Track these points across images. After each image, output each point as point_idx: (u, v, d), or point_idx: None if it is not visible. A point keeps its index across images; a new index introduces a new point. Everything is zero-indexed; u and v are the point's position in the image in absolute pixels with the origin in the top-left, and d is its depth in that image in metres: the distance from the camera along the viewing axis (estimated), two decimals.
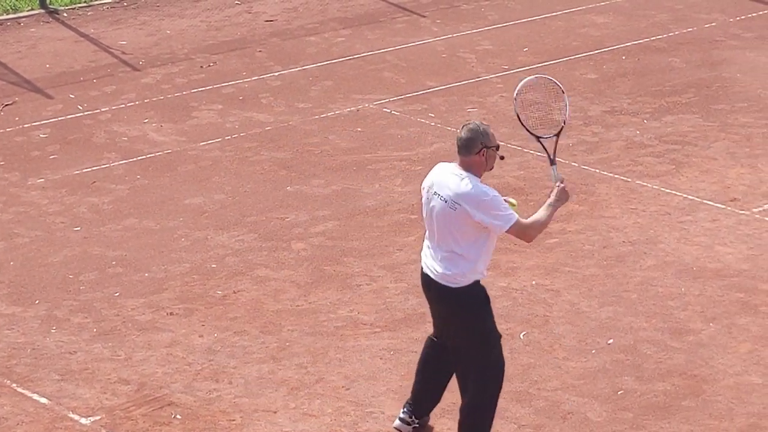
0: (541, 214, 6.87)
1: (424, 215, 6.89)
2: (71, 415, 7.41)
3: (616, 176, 10.61)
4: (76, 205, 10.21)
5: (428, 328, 8.29)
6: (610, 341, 8.12)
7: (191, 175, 10.76)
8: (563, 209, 9.98)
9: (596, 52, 13.67)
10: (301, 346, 8.10)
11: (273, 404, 7.49)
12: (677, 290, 8.74)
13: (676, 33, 14.26)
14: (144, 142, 11.45)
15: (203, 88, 12.74)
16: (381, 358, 7.95)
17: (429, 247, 6.87)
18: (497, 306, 8.54)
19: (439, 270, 6.77)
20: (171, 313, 8.52)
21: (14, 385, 7.70)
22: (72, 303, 8.66)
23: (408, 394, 7.53)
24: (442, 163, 6.97)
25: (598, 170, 10.73)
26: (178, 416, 7.39)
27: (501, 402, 7.46)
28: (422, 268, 6.90)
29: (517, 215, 6.73)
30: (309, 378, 7.74)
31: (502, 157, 6.91)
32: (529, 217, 6.91)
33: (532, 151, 11.11)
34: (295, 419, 7.35)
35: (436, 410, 7.38)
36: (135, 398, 7.56)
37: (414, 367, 7.84)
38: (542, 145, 7.16)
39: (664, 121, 11.80)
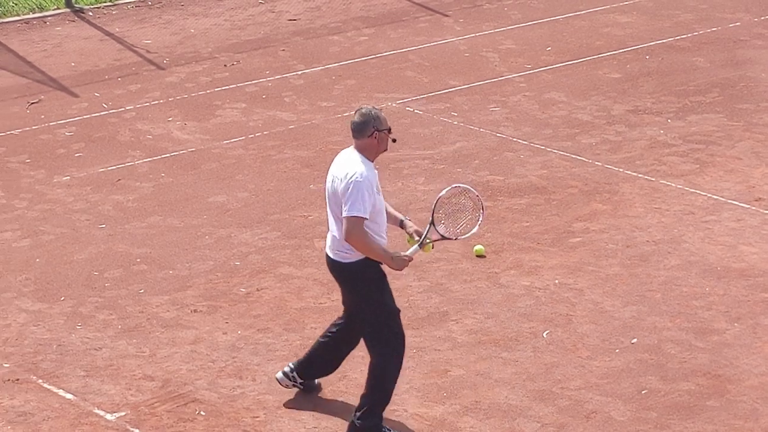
0: (376, 244, 7.02)
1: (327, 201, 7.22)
2: (96, 410, 7.45)
3: (639, 175, 10.59)
4: (100, 202, 10.26)
5: (451, 327, 8.31)
6: (634, 341, 8.11)
7: (215, 173, 10.80)
8: (586, 208, 9.99)
9: (620, 51, 13.65)
10: None
11: (296, 401, 7.51)
12: (701, 290, 8.72)
13: (700, 32, 14.23)
14: (168, 141, 11.50)
15: (227, 87, 12.78)
16: (404, 356, 7.95)
17: (330, 228, 7.21)
18: (520, 305, 8.56)
19: (333, 247, 7.15)
20: (195, 311, 8.55)
21: (40, 380, 7.75)
22: (97, 300, 8.71)
23: (431, 392, 7.55)
24: (342, 151, 7.26)
25: (621, 169, 10.71)
26: (202, 413, 7.42)
27: (524, 400, 7.48)
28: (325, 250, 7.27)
29: (363, 214, 6.88)
30: (332, 376, 7.75)
31: (394, 140, 7.23)
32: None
33: (555, 151, 11.11)
34: (318, 417, 7.37)
35: (459, 408, 7.40)
36: (159, 395, 7.60)
37: (437, 364, 7.87)
38: (432, 231, 7.22)
39: (688, 120, 11.78)
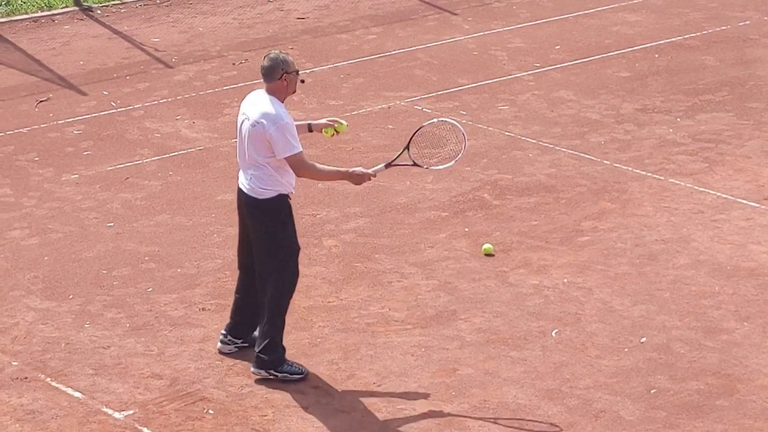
0: (327, 167, 7.75)
1: (237, 137, 7.65)
2: (105, 409, 7.45)
3: (648, 174, 10.57)
4: (109, 200, 10.27)
5: (459, 326, 8.31)
6: (643, 340, 8.09)
7: (223, 171, 10.80)
8: (594, 207, 9.97)
9: (629, 50, 13.62)
10: (332, 343, 8.12)
11: (304, 400, 7.51)
12: (710, 289, 8.70)
13: (710, 31, 14.19)
14: (176, 139, 11.50)
15: (235, 86, 12.78)
16: (412, 355, 7.96)
17: (240, 165, 7.62)
18: (528, 304, 8.54)
19: (247, 184, 7.55)
20: (203, 309, 8.55)
21: (48, 379, 7.75)
22: (105, 298, 8.71)
23: (439, 391, 7.55)
24: (252, 92, 7.66)
25: (630, 168, 10.69)
26: (210, 411, 7.42)
27: (532, 399, 7.47)
28: (238, 187, 7.65)
29: (300, 149, 7.39)
30: (340, 374, 7.75)
31: (302, 81, 7.63)
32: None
33: (563, 149, 11.09)
34: (326, 415, 7.37)
35: (467, 407, 7.39)
36: (168, 393, 7.59)
37: (445, 363, 7.86)
38: (404, 155, 7.77)
39: (697, 119, 11.75)
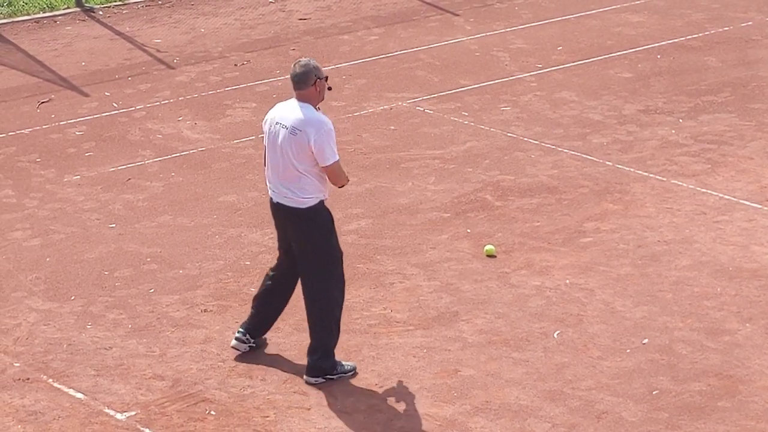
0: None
1: (267, 147, 7.54)
2: (107, 410, 7.45)
3: (651, 175, 10.56)
4: (111, 202, 10.27)
5: (461, 327, 8.30)
6: (645, 341, 8.09)
7: (225, 172, 10.80)
8: (597, 208, 9.97)
9: (631, 51, 13.62)
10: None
11: (306, 401, 7.51)
12: (713, 290, 8.70)
13: (712, 32, 14.19)
14: (178, 140, 11.50)
15: (237, 86, 12.78)
16: (414, 356, 7.96)
17: (275, 176, 7.52)
18: (530, 305, 8.54)
19: (288, 194, 7.47)
20: (205, 310, 8.55)
21: (50, 380, 7.75)
22: (107, 299, 8.71)
23: (441, 392, 7.54)
24: (280, 103, 7.64)
25: (632, 169, 10.69)
26: (212, 412, 7.42)
27: (534, 401, 7.47)
28: (271, 198, 7.59)
29: (338, 156, 7.39)
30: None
31: (329, 88, 7.60)
32: None
33: (566, 150, 11.09)
34: (328, 416, 7.36)
35: (469, 408, 7.39)
36: (170, 394, 7.59)
37: (447, 364, 7.85)
38: None
39: (699, 120, 11.74)
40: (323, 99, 7.51)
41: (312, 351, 7.64)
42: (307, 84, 7.41)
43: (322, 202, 7.50)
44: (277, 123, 7.48)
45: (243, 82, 12.89)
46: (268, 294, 7.87)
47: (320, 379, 7.63)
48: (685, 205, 10.01)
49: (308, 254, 7.55)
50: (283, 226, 7.64)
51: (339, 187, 7.62)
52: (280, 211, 7.58)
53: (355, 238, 9.54)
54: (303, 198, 7.43)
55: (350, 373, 7.70)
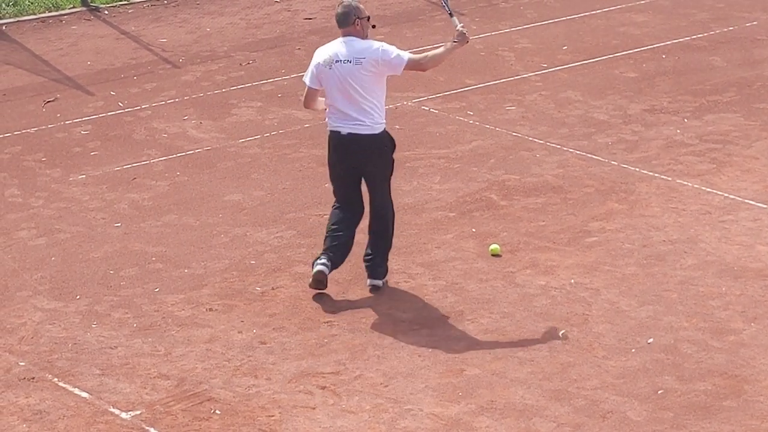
0: (439, 50, 8.39)
1: (333, 86, 8.31)
2: (112, 409, 7.46)
3: (656, 175, 10.56)
4: (116, 201, 10.28)
5: (467, 326, 8.30)
6: (650, 340, 8.08)
7: (230, 171, 10.81)
8: (602, 208, 9.97)
9: (636, 50, 13.61)
10: (339, 343, 8.12)
11: (311, 400, 7.51)
12: (718, 290, 8.69)
13: (717, 32, 14.18)
14: (184, 139, 11.51)
15: (243, 86, 12.79)
16: (419, 356, 7.96)
17: (347, 108, 8.31)
18: (536, 304, 8.54)
19: (366, 123, 8.32)
20: (210, 309, 8.55)
21: (55, 379, 7.76)
22: (112, 298, 8.72)
23: (446, 392, 7.55)
24: (326, 45, 8.45)
25: (638, 169, 10.68)
26: (217, 411, 7.42)
27: (540, 400, 7.47)
28: (339, 131, 8.44)
29: (409, 55, 8.29)
30: (347, 375, 7.75)
31: (373, 26, 8.46)
32: None
33: (571, 150, 11.08)
34: (333, 415, 7.37)
35: (474, 408, 7.39)
36: (175, 393, 7.60)
37: (452, 364, 7.86)
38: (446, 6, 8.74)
39: (704, 119, 11.74)
40: (366, 36, 8.29)
41: (379, 257, 8.60)
42: (348, 23, 8.26)
43: (385, 128, 8.44)
44: (337, 61, 8.25)
45: (248, 81, 12.90)
46: (340, 223, 8.59)
47: (380, 282, 8.60)
48: (690, 204, 10.01)
49: (383, 174, 8.50)
50: (354, 155, 8.42)
51: (431, 68, 8.51)
52: (352, 142, 8.35)
53: (360, 238, 9.53)
54: (377, 124, 8.35)
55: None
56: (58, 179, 10.72)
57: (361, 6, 8.33)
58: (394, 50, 8.27)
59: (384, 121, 8.45)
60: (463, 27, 8.44)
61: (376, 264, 8.64)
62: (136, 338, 8.21)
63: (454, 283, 8.86)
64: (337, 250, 8.55)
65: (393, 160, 8.62)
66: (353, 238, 8.66)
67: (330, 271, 8.53)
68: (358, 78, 8.25)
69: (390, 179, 8.63)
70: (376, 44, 8.29)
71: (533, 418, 7.31)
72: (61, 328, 8.34)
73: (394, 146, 8.61)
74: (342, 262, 8.64)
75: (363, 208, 8.69)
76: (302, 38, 14.18)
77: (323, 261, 8.48)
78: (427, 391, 7.59)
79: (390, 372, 7.78)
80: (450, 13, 8.71)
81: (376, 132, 8.41)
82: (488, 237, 9.49)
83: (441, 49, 8.42)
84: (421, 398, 7.51)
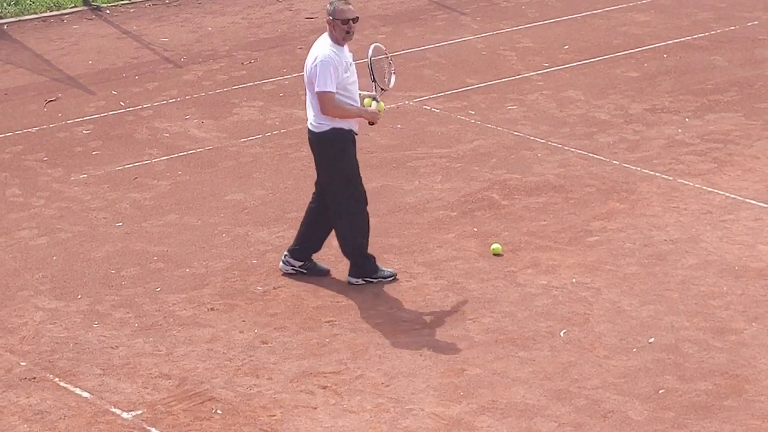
0: (350, 107, 8.39)
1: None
2: (113, 409, 7.46)
3: (657, 174, 10.56)
4: (118, 200, 10.28)
5: (468, 326, 8.31)
6: (651, 340, 8.09)
7: (232, 171, 10.81)
8: (603, 207, 9.97)
9: (637, 50, 13.61)
10: (340, 343, 8.12)
11: (313, 400, 7.52)
12: (719, 289, 8.69)
13: (719, 31, 14.17)
14: (185, 139, 11.51)
15: (244, 85, 12.79)
16: (421, 355, 7.96)
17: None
18: (537, 304, 8.53)
19: (309, 120, 8.45)
20: (212, 309, 8.56)
21: (57, 379, 7.76)
22: (114, 298, 8.72)
23: (447, 391, 7.55)
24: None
25: (639, 168, 10.68)
26: (218, 411, 7.43)
27: (541, 400, 7.47)
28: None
29: (331, 89, 8.22)
30: (349, 374, 7.75)
31: (347, 32, 8.33)
32: None
33: (572, 149, 11.08)
34: (334, 415, 7.37)
35: (476, 408, 7.39)
36: (176, 393, 7.60)
37: (454, 363, 7.86)
38: (377, 89, 8.70)
39: (706, 119, 11.73)
40: (343, 39, 8.33)
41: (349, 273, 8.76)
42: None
43: (335, 128, 8.35)
44: (306, 61, 8.48)
45: (250, 80, 12.90)
46: (309, 216, 8.80)
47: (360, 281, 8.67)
48: (691, 204, 10.00)
49: (324, 176, 8.53)
50: (311, 150, 8.62)
51: (330, 115, 8.30)
52: (308, 137, 8.58)
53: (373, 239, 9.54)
54: (318, 123, 8.39)
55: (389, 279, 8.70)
56: (60, 179, 10.72)
57: (339, 8, 8.29)
58: (323, 76, 8.21)
59: (329, 123, 8.44)
60: (378, 106, 8.49)
61: (348, 280, 8.88)
62: (138, 338, 8.21)
63: (456, 282, 8.86)
64: (299, 245, 8.88)
65: (340, 165, 8.60)
66: (323, 233, 8.87)
67: (295, 266, 8.88)
68: (309, 81, 8.45)
69: (340, 186, 8.64)
70: (319, 58, 8.27)
71: (534, 418, 7.31)
72: (62, 328, 8.35)
73: (341, 149, 8.56)
74: (309, 256, 8.90)
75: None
76: (304, 37, 14.18)
77: (284, 259, 8.85)
78: (429, 390, 7.59)
79: (391, 372, 7.79)
80: (373, 79, 8.63)
81: (318, 131, 8.53)
82: (490, 236, 9.49)
83: (349, 107, 8.37)
84: (423, 398, 7.52)
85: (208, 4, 15.47)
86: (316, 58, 8.27)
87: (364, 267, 8.69)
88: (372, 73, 8.60)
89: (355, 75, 8.56)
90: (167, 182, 10.61)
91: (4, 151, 11.34)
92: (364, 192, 8.63)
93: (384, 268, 8.74)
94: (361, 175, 10.67)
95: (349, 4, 8.41)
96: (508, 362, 7.87)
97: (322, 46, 8.33)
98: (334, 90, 8.22)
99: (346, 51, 8.47)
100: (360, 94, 8.60)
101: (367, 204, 8.67)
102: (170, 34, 14.38)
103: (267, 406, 7.48)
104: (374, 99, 8.57)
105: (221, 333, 8.25)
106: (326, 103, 8.25)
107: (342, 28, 8.31)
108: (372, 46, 8.82)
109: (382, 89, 8.69)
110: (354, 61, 8.77)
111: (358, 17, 8.47)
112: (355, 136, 8.60)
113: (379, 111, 8.57)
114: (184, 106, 12.27)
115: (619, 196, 10.17)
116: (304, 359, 7.91)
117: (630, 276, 8.89)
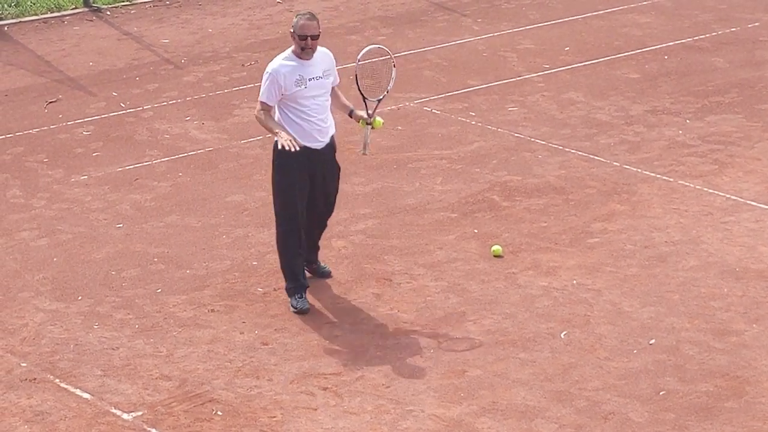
0: (268, 123, 8.27)
1: None
2: (113, 410, 7.46)
3: (658, 176, 10.55)
4: (118, 202, 10.28)
5: (468, 327, 8.30)
6: (652, 341, 8.08)
7: (232, 172, 10.81)
8: (604, 209, 9.96)
9: (638, 51, 13.61)
10: (341, 344, 8.12)
11: (313, 401, 7.51)
12: (720, 291, 8.69)
13: (719, 33, 14.17)
14: (186, 140, 11.51)
15: (245, 87, 12.79)
16: (421, 356, 7.96)
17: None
18: (538, 305, 8.54)
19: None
20: (212, 310, 8.55)
21: (57, 380, 7.76)
22: (114, 299, 8.72)
23: (448, 393, 7.54)
24: None
25: (640, 170, 10.68)
26: (219, 412, 7.42)
27: (541, 401, 7.46)
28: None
29: (264, 99, 8.25)
30: (349, 376, 7.75)
31: (302, 48, 8.31)
32: None
33: (573, 151, 11.08)
34: (335, 416, 7.37)
35: (476, 409, 7.39)
36: (176, 394, 7.60)
37: (454, 365, 7.85)
38: (366, 105, 8.57)
39: (706, 120, 11.73)
40: (302, 52, 8.29)
41: (315, 253, 8.86)
42: None
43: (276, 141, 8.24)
44: None
45: (250, 82, 12.90)
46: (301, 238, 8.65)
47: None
48: (692, 205, 10.00)
49: (336, 181, 8.65)
50: (320, 170, 8.54)
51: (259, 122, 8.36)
52: (319, 155, 8.46)
53: (362, 238, 9.55)
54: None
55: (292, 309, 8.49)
56: (60, 180, 10.72)
57: (302, 23, 8.33)
58: (263, 86, 8.28)
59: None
60: (374, 123, 8.50)
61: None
62: (138, 339, 8.21)
63: (456, 284, 8.86)
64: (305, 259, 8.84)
65: (275, 177, 8.46)
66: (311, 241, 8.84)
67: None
68: None
69: (274, 199, 8.51)
70: (269, 66, 8.32)
71: (535, 419, 7.30)
72: (62, 329, 8.34)
73: (277, 161, 8.38)
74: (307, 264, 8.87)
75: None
76: None
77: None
78: (429, 392, 7.59)
79: (392, 373, 7.78)
80: (368, 122, 8.52)
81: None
82: (490, 238, 9.49)
83: (266, 124, 8.27)
84: (423, 399, 7.51)
85: (209, 6, 15.47)
86: (270, 66, 8.33)
87: (286, 284, 8.55)
88: (359, 88, 8.54)
89: (320, 90, 8.32)
90: (168, 183, 10.61)
91: (4, 152, 11.34)
92: (298, 213, 8.37)
93: (299, 299, 8.43)
94: (362, 175, 10.71)
95: (314, 20, 8.31)
96: (509, 363, 7.86)
97: (279, 56, 8.37)
98: (267, 101, 8.25)
99: (312, 64, 8.32)
100: (354, 113, 8.53)
101: (297, 224, 8.40)
102: (171, 36, 14.38)
103: (267, 407, 7.48)
104: (366, 123, 8.47)
105: (222, 334, 8.25)
106: (256, 111, 8.34)
107: (299, 43, 8.32)
108: (363, 50, 8.73)
109: (379, 100, 8.57)
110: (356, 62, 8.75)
111: (318, 35, 8.31)
112: (318, 151, 8.34)
113: (373, 127, 8.49)
114: (185, 108, 12.27)
115: (619, 197, 10.16)
116: (305, 360, 7.91)
117: (631, 277, 8.89)
